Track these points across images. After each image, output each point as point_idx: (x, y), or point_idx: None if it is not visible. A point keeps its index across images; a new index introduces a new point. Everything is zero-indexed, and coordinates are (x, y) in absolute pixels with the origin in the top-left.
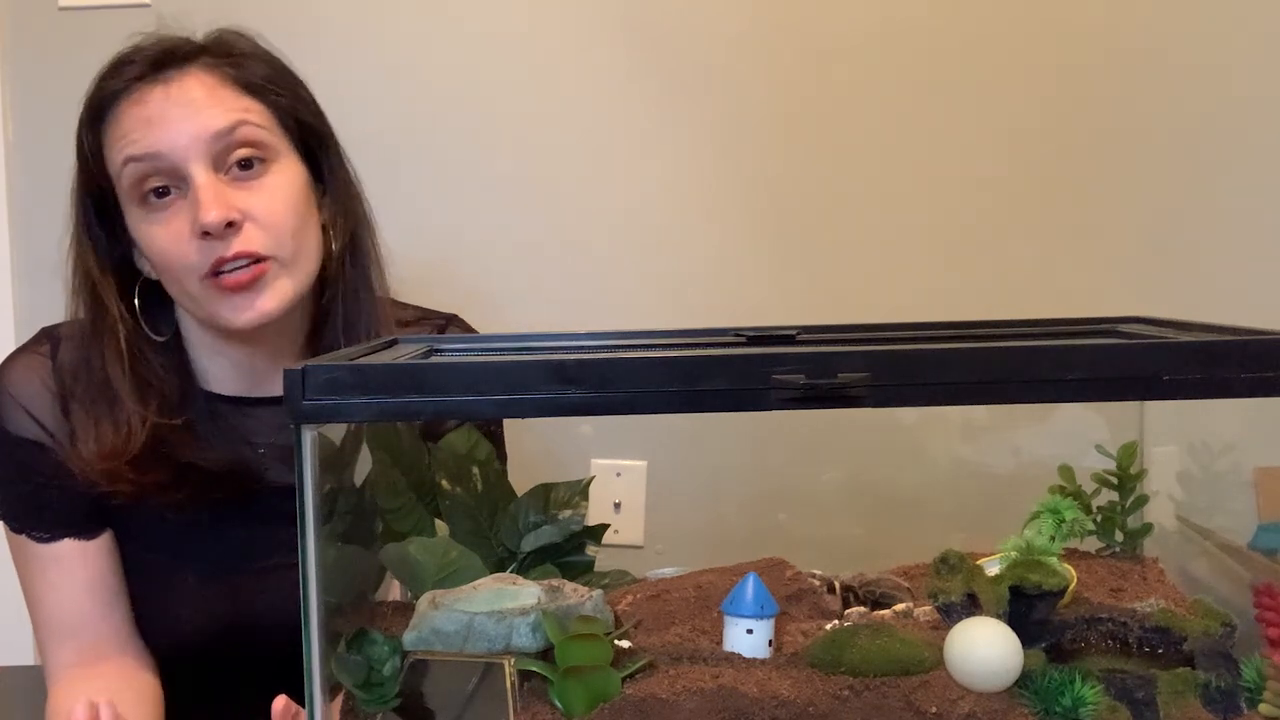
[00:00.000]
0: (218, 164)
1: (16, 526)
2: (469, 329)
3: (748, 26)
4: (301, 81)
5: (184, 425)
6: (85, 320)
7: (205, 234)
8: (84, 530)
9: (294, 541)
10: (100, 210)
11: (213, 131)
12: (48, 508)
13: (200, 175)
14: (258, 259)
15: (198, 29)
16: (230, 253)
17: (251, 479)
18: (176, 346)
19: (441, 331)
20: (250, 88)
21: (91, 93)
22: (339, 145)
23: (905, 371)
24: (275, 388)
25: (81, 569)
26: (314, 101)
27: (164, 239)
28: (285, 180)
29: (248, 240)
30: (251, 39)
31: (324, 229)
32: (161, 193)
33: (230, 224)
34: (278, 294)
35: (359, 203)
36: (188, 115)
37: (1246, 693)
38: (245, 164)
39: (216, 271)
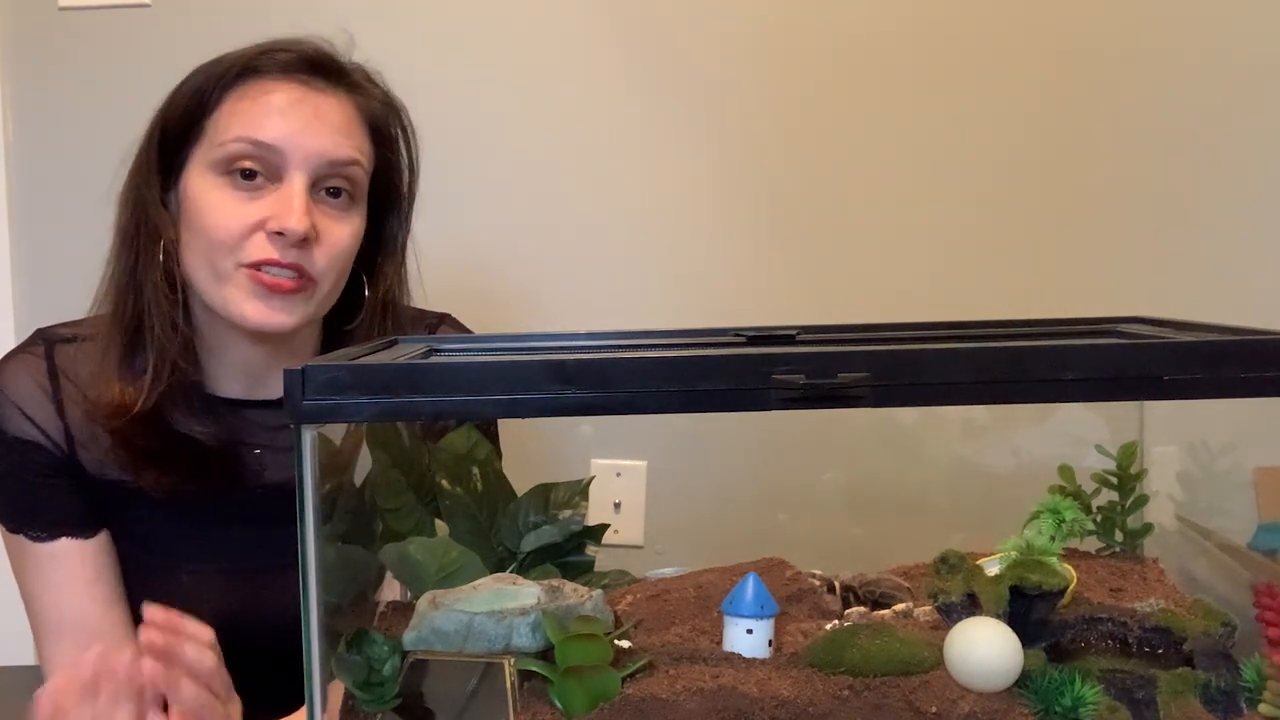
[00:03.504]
0: (315, 182)
1: (13, 526)
2: (461, 328)
3: (748, 27)
4: (414, 146)
5: (181, 395)
6: (128, 260)
7: (278, 234)
8: (81, 529)
9: (292, 542)
10: (165, 153)
11: (332, 157)
12: (44, 507)
13: (298, 183)
14: (307, 276)
15: (348, 52)
16: (287, 259)
17: (242, 473)
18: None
19: (433, 330)
20: (375, 134)
21: (238, 56)
22: (410, 214)
23: (905, 371)
24: (271, 392)
25: (79, 568)
26: (414, 168)
27: (229, 214)
28: (355, 223)
29: (309, 259)
30: (386, 88)
31: (353, 274)
32: (249, 174)
33: (305, 239)
34: (298, 314)
35: (403, 267)
36: (319, 131)
37: (1246, 693)
38: (334, 192)
39: (259, 266)
